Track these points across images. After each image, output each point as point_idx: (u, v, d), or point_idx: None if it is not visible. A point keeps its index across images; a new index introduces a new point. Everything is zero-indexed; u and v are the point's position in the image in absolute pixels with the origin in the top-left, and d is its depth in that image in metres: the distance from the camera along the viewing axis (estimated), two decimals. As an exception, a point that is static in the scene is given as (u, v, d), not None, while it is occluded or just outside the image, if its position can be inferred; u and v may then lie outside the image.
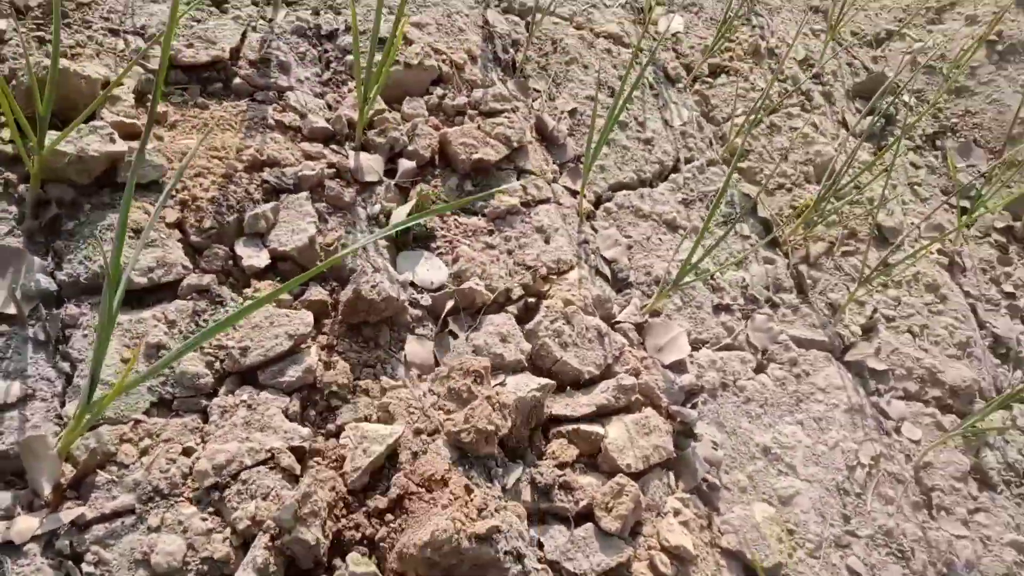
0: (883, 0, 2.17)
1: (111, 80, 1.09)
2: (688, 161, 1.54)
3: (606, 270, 1.29)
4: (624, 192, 1.41)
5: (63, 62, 1.01)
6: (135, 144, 1.03)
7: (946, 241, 1.66)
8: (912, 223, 1.63)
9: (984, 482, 1.39)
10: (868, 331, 1.43)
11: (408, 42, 1.34)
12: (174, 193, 1.04)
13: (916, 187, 1.78)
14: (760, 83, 1.67)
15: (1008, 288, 1.73)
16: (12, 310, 0.90)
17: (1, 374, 0.85)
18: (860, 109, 1.83)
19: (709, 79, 1.66)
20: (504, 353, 1.08)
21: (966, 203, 1.82)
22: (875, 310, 1.46)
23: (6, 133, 1.02)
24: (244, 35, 1.25)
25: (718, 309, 1.35)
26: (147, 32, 1.17)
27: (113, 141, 1.00)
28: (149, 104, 1.07)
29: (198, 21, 1.23)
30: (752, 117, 1.57)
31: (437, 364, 1.06)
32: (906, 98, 1.98)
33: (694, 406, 1.19)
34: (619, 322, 1.22)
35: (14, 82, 1.03)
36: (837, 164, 1.56)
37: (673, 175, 1.51)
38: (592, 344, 1.14)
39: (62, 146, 0.97)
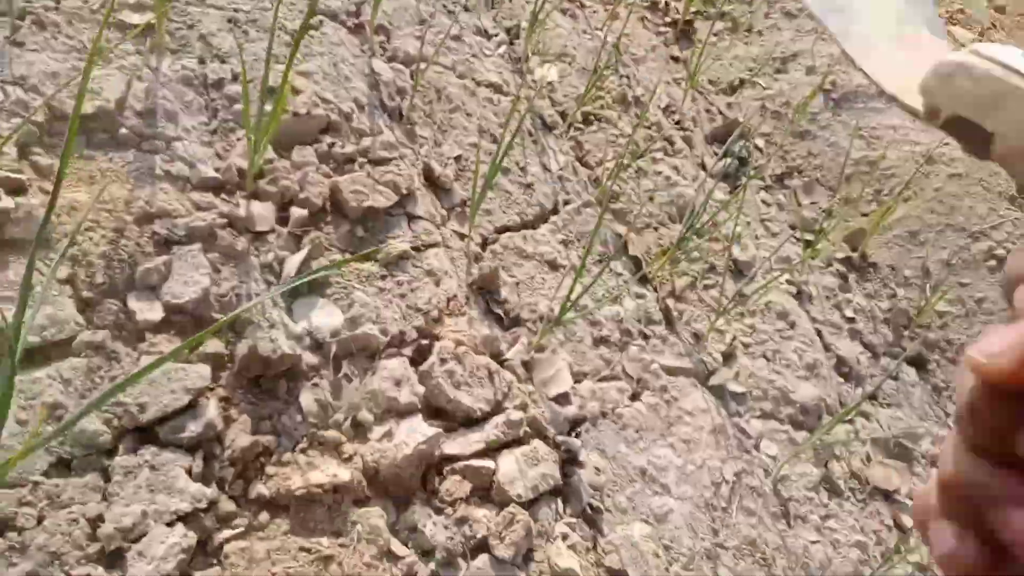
0: (735, 51, 2.42)
1: (-10, 133, 1.08)
2: (566, 203, 1.67)
3: (497, 309, 1.39)
4: (508, 234, 1.52)
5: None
6: (21, 200, 1.03)
7: (794, 272, 1.87)
8: (764, 256, 1.84)
9: (833, 490, 1.58)
10: (728, 357, 1.61)
11: (296, 91, 1.39)
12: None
13: (767, 223, 2.00)
14: (628, 129, 1.83)
15: (849, 313, 1.97)
16: None
17: None
18: (717, 152, 2.04)
19: (582, 126, 1.81)
20: (398, 396, 1.15)
21: (810, 236, 2.06)
22: (734, 337, 1.64)
23: None
24: (129, 84, 1.26)
25: (597, 342, 1.48)
26: (27, 82, 1.16)
27: (-3, 197, 1.00)
28: (35, 158, 1.07)
29: (78, 71, 1.23)
30: (621, 162, 1.73)
31: (331, 411, 1.12)
32: (757, 141, 2.21)
33: (578, 435, 1.30)
34: (507, 359, 1.32)
35: None
36: (696, 204, 1.74)
37: (553, 217, 1.63)
38: (483, 382, 1.23)
39: (-61, 203, 0.96)
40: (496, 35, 1.85)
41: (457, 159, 1.55)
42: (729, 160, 1.77)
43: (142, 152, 1.21)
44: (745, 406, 1.55)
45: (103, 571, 0.82)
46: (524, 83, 1.79)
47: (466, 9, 1.84)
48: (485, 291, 1.40)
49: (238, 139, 1.33)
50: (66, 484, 0.87)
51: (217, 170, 1.25)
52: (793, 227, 2.06)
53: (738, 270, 1.78)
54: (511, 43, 1.86)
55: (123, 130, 1.21)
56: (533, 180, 1.64)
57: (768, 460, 1.50)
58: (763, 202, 2.02)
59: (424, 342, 1.25)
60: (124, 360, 1.00)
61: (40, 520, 0.83)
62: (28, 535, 0.82)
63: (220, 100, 1.35)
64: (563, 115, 1.80)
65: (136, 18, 1.36)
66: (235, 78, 1.37)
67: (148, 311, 1.06)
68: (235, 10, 1.46)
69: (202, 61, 1.37)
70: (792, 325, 1.75)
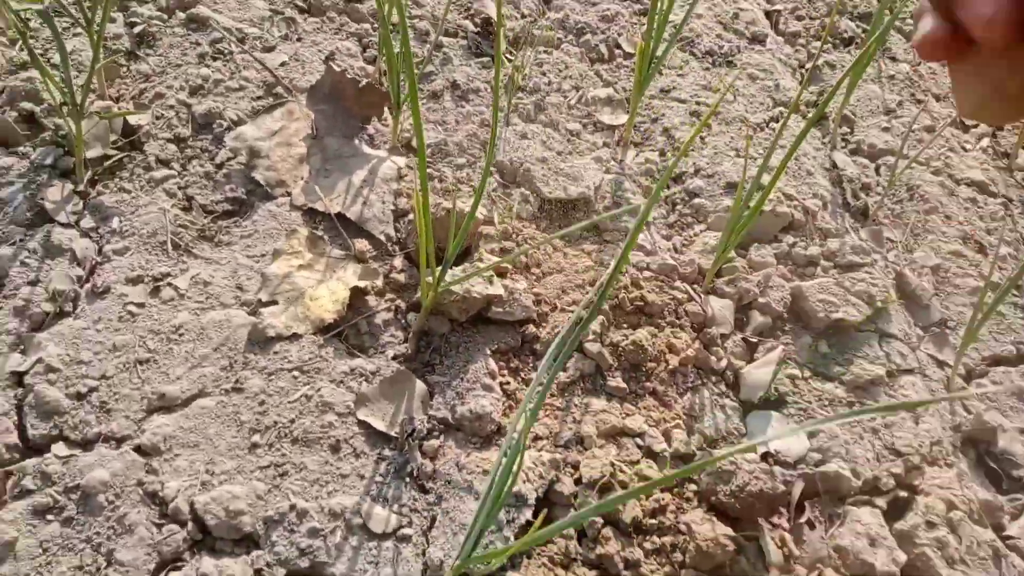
0: None
1: (489, 218, 1.08)
2: (1072, 332, 1.21)
3: (993, 464, 1.01)
4: (1003, 368, 1.12)
5: (445, 202, 1.01)
6: (508, 283, 0.99)
7: None
8: None
9: None
10: None
11: (759, 186, 1.20)
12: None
13: None
14: None
15: None
16: (395, 432, 0.86)
17: (380, 501, 0.81)
18: None
19: (1096, 236, 1.32)
20: (873, 561, 0.86)
21: None
22: None
23: (397, 261, 1.03)
24: (603, 175, 1.19)
25: None
26: (517, 168, 1.15)
27: (491, 282, 0.97)
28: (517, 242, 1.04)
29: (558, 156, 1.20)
30: None
31: (792, 562, 0.87)
32: None
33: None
34: (1012, 538, 0.93)
35: (410, 216, 1.04)
36: None
37: (1054, 348, 1.18)
38: (985, 564, 0.87)
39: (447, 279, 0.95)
40: (975, 126, 1.46)
41: (934, 269, 1.21)
42: None
43: (605, 243, 1.13)
44: None
45: None
46: (1015, 182, 1.38)
47: (937, 99, 1.49)
48: (976, 439, 1.03)
49: (695, 234, 1.18)
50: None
51: (675, 262, 1.11)
52: None
53: None
54: (993, 135, 1.45)
55: (594, 215, 1.14)
56: (1029, 301, 1.21)
57: None
58: None
59: (902, 494, 0.94)
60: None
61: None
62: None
63: (680, 193, 1.22)
64: (1068, 223, 1.34)
65: (607, 115, 1.30)
66: (697, 172, 1.23)
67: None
68: (697, 103, 1.34)
69: (663, 153, 1.26)
70: None
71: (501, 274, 1.02)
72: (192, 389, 0.83)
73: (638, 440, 0.93)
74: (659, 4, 1.11)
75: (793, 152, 0.93)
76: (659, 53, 1.17)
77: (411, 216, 1.06)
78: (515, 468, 0.66)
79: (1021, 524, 0.95)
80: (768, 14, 1.58)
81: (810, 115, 1.39)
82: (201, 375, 0.85)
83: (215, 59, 1.21)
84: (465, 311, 0.96)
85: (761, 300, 1.08)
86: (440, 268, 0.89)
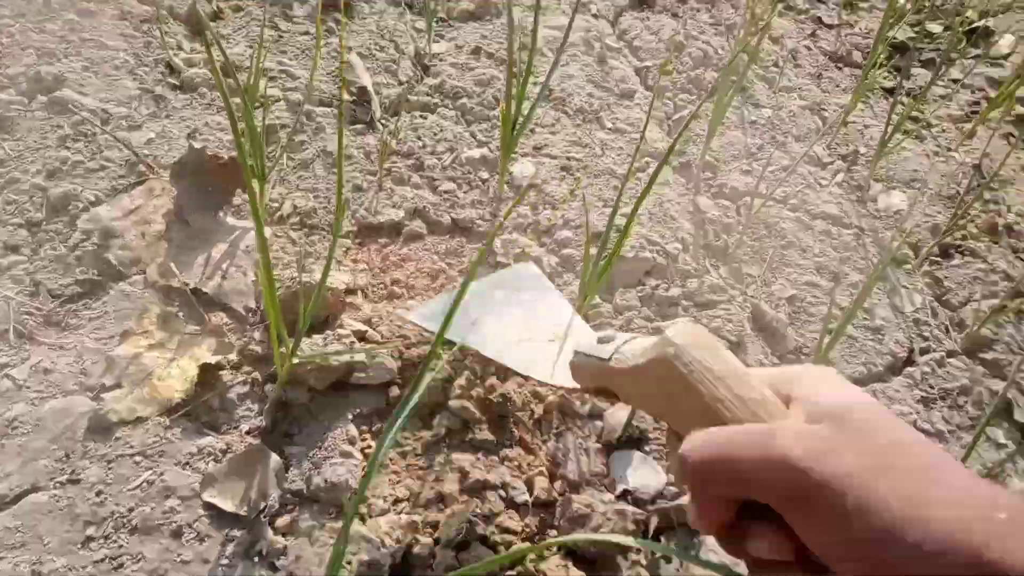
0: None
1: (354, 287, 1.08)
2: (923, 352, 1.27)
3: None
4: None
5: (315, 276, 1.01)
6: (371, 346, 0.99)
7: None
8: None
9: None
10: None
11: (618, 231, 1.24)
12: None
13: None
14: (1001, 263, 1.38)
15: None
16: (244, 512, 0.84)
17: (225, 587, 0.78)
18: None
19: (940, 259, 1.40)
20: (733, 593, 0.87)
21: None
22: None
23: (257, 333, 1.02)
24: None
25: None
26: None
27: (351, 348, 0.96)
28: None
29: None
30: (1002, 303, 1.28)
31: (656, 601, 0.87)
32: None
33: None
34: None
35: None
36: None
37: (908, 368, 1.24)
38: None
39: (305, 352, 0.95)
40: (831, 163, 1.55)
41: (790, 300, 1.26)
42: None
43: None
44: None
45: None
46: (867, 213, 1.46)
47: (797, 139, 1.58)
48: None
49: (564, 283, 1.20)
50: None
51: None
52: None
53: None
54: (848, 170, 1.54)
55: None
56: (882, 324, 1.27)
57: None
58: None
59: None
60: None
61: None
62: None
63: (551, 245, 1.25)
64: (914, 248, 1.42)
65: (483, 173, 1.33)
66: (565, 224, 1.26)
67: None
68: (568, 158, 1.38)
69: (535, 208, 1.29)
70: None
71: (362, 338, 1.02)
72: (24, 484, 0.80)
73: (501, 492, 0.93)
74: (519, 70, 1.15)
75: (643, 198, 0.96)
76: (525, 113, 1.20)
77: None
78: (347, 534, 0.65)
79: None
80: (638, 71, 1.66)
81: (674, 164, 1.45)
82: (35, 469, 0.81)
83: (77, 141, 1.20)
84: (324, 379, 0.95)
85: (624, 344, 1.11)
86: (294, 339, 0.89)
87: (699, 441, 0.46)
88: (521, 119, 1.20)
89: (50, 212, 1.09)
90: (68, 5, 1.39)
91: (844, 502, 0.38)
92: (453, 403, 0.99)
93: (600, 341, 0.63)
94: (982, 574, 0.34)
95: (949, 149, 1.65)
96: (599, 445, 1.02)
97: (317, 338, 0.98)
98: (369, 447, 0.94)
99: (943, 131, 1.71)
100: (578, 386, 0.67)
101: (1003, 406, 1.22)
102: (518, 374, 0.84)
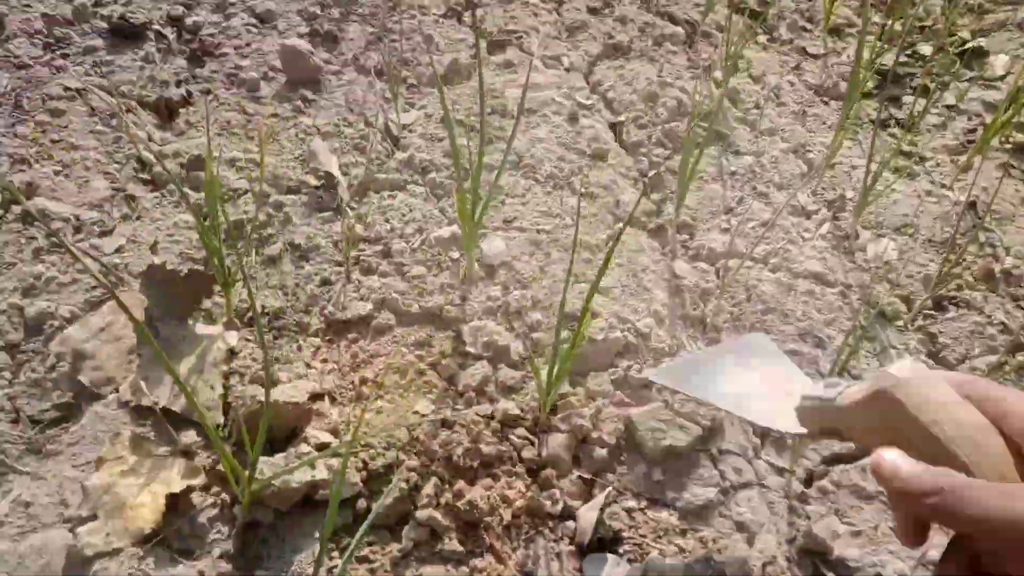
0: None
1: (321, 392, 1.08)
2: (916, 414, 1.23)
3: (827, 574, 1.02)
4: (842, 466, 1.13)
5: (281, 389, 1.01)
6: (334, 462, 0.99)
7: None
8: None
9: None
10: None
11: (594, 315, 1.22)
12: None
13: None
14: (999, 315, 1.33)
15: None
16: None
17: None
18: None
19: (935, 313, 1.36)
20: None
21: None
22: None
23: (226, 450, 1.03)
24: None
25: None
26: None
27: (314, 467, 0.97)
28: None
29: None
30: (1001, 359, 1.24)
31: None
32: None
33: None
34: (846, 661, 0.93)
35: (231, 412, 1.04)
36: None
37: (898, 433, 1.20)
38: None
39: (266, 473, 0.95)
40: (816, 211, 1.51)
41: (772, 371, 1.23)
42: None
43: (456, 395, 1.14)
44: None
45: None
46: (855, 266, 1.42)
47: (779, 188, 1.54)
48: (811, 552, 1.03)
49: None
50: None
51: (517, 403, 1.11)
52: None
53: None
54: (835, 218, 1.50)
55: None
56: (869, 388, 1.23)
57: None
58: None
59: (734, 629, 0.94)
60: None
61: None
62: None
63: (521, 328, 1.24)
64: (907, 301, 1.37)
65: (453, 252, 1.33)
66: (534, 305, 1.25)
67: (434, 584, 0.92)
68: (538, 231, 1.37)
69: (506, 288, 1.28)
70: None
71: (327, 449, 1.02)
72: (-4, 635, 0.82)
73: (469, 609, 0.92)
74: (470, 150, 1.14)
75: (603, 272, 0.95)
76: (488, 188, 1.19)
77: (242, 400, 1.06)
78: None
79: (856, 643, 0.95)
80: (612, 126, 1.63)
81: (650, 226, 1.43)
82: (9, 616, 0.83)
83: (51, 253, 1.22)
84: (287, 500, 0.96)
85: (594, 435, 1.09)
86: (252, 462, 0.89)
87: (930, 475, 0.53)
88: (483, 195, 1.19)
89: (28, 332, 1.12)
90: (39, 106, 1.41)
91: None
92: (420, 513, 0.99)
93: (827, 387, 0.70)
94: None
95: (943, 186, 1.59)
96: (572, 547, 1.00)
97: (279, 457, 0.99)
98: (336, 566, 0.94)
99: (937, 164, 1.65)
100: (806, 431, 0.76)
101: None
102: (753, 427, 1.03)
